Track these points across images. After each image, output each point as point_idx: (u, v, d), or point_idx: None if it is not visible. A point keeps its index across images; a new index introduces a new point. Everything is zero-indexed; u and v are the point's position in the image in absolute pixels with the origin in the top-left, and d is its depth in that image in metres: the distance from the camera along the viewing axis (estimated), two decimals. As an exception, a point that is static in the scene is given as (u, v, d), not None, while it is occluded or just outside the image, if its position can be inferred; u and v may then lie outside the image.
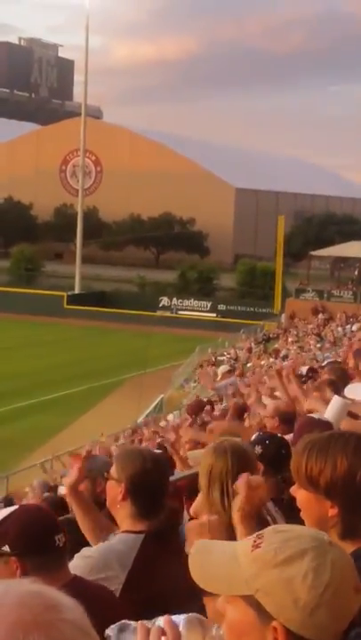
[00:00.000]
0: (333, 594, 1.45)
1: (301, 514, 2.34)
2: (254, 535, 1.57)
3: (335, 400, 5.32)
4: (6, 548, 2.69)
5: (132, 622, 1.85)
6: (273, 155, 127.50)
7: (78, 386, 34.95)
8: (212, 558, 1.59)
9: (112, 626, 1.91)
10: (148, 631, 1.61)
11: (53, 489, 11.58)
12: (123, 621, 1.91)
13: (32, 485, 14.20)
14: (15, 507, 2.91)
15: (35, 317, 55.37)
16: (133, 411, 26.39)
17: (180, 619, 1.71)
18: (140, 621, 1.67)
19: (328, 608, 1.44)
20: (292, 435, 5.24)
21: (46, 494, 10.57)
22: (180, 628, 1.67)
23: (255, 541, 1.53)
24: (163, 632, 1.60)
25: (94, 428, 23.78)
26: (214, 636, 1.81)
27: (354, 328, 32.74)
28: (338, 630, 1.47)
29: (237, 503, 2.69)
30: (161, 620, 1.65)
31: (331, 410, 5.17)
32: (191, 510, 3.08)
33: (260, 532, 1.59)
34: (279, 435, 4.96)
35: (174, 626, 1.62)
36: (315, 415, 5.23)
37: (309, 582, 1.45)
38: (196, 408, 11.71)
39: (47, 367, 38.91)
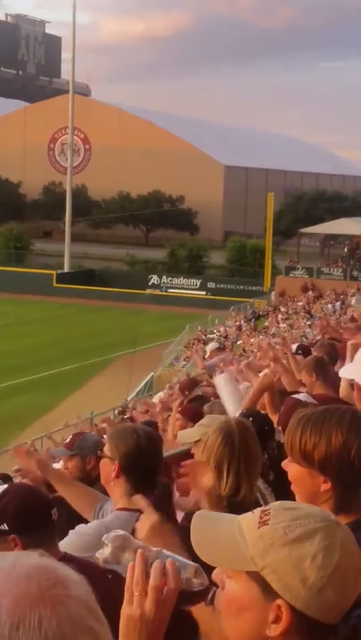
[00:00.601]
0: (341, 574, 1.45)
1: (292, 488, 2.33)
2: (259, 510, 1.54)
3: (219, 378, 5.38)
4: (4, 527, 2.69)
5: (135, 541, 1.80)
6: (263, 132, 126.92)
7: (68, 364, 34.94)
8: (213, 531, 1.57)
9: (110, 535, 1.78)
10: (146, 563, 1.60)
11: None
12: (123, 534, 1.80)
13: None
14: (5, 485, 2.90)
15: (24, 296, 55.24)
16: (123, 389, 26.43)
17: (184, 565, 1.69)
18: (139, 551, 1.65)
19: (335, 588, 1.44)
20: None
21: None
22: (182, 575, 1.65)
23: (261, 517, 1.51)
24: (164, 572, 1.59)
25: (84, 406, 23.81)
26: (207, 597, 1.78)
27: (353, 302, 32.43)
28: (342, 609, 1.47)
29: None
30: (166, 557, 1.63)
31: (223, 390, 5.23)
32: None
33: (265, 507, 1.57)
34: (262, 412, 5.06)
35: (177, 570, 1.62)
36: (300, 396, 5.27)
37: (319, 562, 1.45)
38: (189, 385, 11.69)
39: (36, 345, 38.87)
